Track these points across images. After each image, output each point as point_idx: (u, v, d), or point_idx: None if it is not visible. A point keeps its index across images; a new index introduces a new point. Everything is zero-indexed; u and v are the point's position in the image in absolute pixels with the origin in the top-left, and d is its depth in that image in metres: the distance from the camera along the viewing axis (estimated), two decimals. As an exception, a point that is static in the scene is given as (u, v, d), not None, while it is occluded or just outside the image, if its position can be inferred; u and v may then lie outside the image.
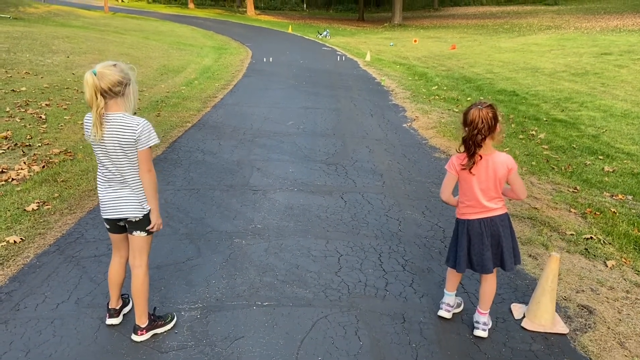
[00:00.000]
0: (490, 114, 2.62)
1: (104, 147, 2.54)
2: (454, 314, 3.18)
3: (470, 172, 2.74)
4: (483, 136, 2.62)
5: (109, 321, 2.97)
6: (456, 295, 3.19)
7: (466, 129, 2.68)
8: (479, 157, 2.69)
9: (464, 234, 2.87)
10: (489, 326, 3.03)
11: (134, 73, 2.57)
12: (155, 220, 2.73)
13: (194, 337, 2.89)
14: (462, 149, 2.74)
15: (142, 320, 2.85)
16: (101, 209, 2.72)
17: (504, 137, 7.56)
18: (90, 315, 3.04)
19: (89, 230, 4.17)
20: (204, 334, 2.92)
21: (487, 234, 2.81)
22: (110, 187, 2.65)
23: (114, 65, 2.48)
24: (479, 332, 2.98)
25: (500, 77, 13.25)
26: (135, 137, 2.51)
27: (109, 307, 2.99)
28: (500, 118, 2.67)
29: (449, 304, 3.14)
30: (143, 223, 2.71)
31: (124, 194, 2.65)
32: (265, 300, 3.28)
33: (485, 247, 2.82)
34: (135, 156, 2.58)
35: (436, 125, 8.29)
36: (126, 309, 3.08)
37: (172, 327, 2.96)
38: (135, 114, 2.61)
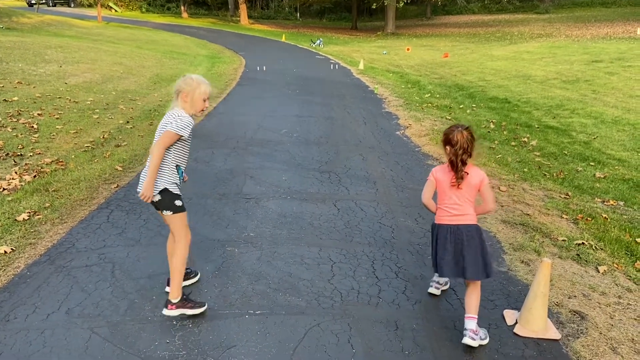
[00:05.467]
0: (470, 136, 2.88)
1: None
2: (445, 320, 3.18)
3: (459, 187, 2.94)
4: (468, 154, 2.88)
5: (168, 289, 3.26)
6: (447, 300, 3.20)
7: (448, 148, 2.91)
8: (466, 174, 2.91)
9: (434, 237, 3.06)
10: (479, 337, 2.93)
11: (199, 86, 3.00)
12: (142, 190, 2.93)
13: (185, 346, 2.87)
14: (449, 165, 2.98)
15: (174, 295, 3.10)
16: None
17: (496, 145, 7.60)
18: (80, 325, 3.02)
19: (80, 240, 4.14)
20: (196, 343, 2.91)
21: (450, 240, 2.96)
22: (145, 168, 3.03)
23: (184, 76, 3.03)
24: (465, 340, 2.90)
25: (493, 84, 13.35)
26: (169, 120, 2.93)
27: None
28: (476, 138, 2.96)
29: (439, 282, 3.47)
30: (163, 202, 3.01)
31: (145, 174, 2.98)
32: (258, 309, 3.27)
33: (446, 252, 2.97)
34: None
35: (429, 132, 8.33)
36: (189, 282, 3.47)
37: (199, 314, 3.14)
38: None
